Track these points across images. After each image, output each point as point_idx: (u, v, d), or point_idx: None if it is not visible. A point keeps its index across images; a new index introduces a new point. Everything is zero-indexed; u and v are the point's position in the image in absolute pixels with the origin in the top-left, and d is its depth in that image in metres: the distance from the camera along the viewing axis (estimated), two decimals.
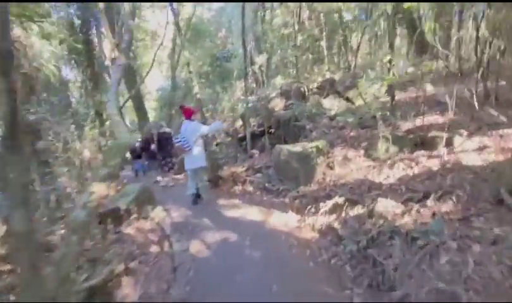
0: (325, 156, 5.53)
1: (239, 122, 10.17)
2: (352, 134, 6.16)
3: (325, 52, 14.74)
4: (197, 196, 5.71)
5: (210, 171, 7.33)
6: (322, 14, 13.24)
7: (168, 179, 9.14)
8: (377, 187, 4.27)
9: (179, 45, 13.53)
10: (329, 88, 10.46)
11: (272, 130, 8.02)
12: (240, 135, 9.77)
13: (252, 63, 15.52)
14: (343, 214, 3.80)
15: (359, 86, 8.15)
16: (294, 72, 16.97)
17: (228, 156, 8.94)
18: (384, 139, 5.13)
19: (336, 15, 13.13)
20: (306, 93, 11.24)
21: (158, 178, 9.24)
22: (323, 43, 14.44)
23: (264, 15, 17.74)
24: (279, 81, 16.84)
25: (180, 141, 5.34)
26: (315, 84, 11.20)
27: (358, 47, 11.57)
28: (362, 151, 5.56)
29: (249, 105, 9.51)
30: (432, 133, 5.06)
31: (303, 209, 4.45)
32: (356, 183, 4.57)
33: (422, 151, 4.88)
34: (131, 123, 19.57)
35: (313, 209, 4.28)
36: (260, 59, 15.79)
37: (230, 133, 10.20)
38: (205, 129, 5.57)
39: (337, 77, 11.13)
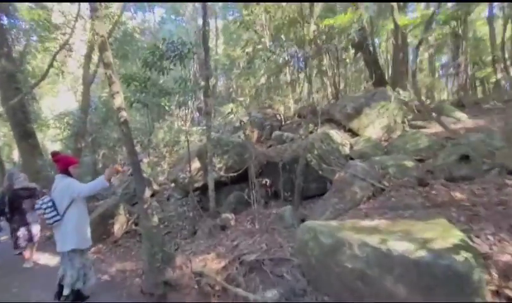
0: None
1: (194, 164, 6.42)
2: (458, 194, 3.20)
3: (288, 77, 12.55)
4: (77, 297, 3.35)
5: (148, 270, 3.49)
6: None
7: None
8: None
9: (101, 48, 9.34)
10: (312, 116, 7.78)
11: (266, 179, 4.56)
12: (197, 185, 6.01)
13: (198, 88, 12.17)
14: None
15: (386, 108, 5.57)
16: (248, 100, 14.37)
17: (179, 225, 5.06)
18: None
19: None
20: (283, 122, 8.39)
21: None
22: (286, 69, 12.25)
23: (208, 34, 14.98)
24: (228, 108, 13.95)
25: (41, 208, 3.25)
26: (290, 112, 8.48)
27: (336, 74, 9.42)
28: None
29: (212, 136, 5.99)
30: None
31: None
32: None
33: None
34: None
35: None
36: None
37: (180, 182, 6.32)
38: (82, 189, 3.35)
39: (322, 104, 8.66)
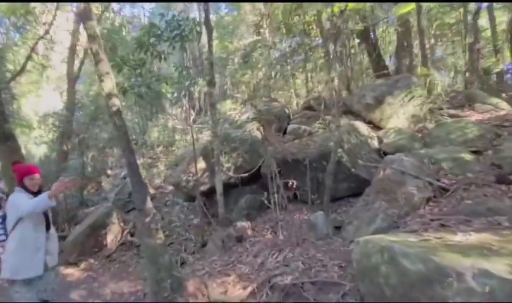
0: None
1: (198, 165, 5.60)
2: None
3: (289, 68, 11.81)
4: None
5: (153, 301, 2.72)
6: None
7: None
8: None
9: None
10: (324, 108, 7.07)
11: (292, 180, 3.77)
12: (202, 188, 5.21)
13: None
14: None
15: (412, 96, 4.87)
16: (246, 96, 13.60)
17: (183, 235, 4.29)
18: None
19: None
20: (291, 116, 7.65)
21: None
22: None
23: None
24: (227, 106, 13.14)
25: None
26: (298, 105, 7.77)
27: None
28: None
29: (219, 132, 5.20)
30: None
31: None
32: None
33: None
34: None
35: None
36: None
37: (183, 185, 5.51)
38: (25, 207, 2.48)
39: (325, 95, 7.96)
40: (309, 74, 11.57)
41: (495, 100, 5.57)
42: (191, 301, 2.84)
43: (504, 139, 3.84)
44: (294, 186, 3.61)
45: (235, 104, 12.69)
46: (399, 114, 5.78)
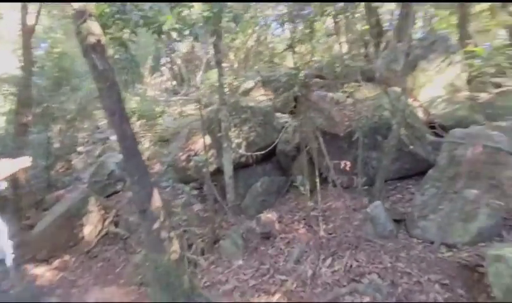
0: None
1: (198, 141, 4.54)
2: None
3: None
4: None
5: None
6: None
7: None
8: None
9: None
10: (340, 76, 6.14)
11: (346, 161, 2.82)
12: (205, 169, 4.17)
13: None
14: None
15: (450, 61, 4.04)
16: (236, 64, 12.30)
17: (187, 231, 3.32)
18: None
19: None
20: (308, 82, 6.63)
21: None
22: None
23: None
24: (212, 75, 11.81)
25: None
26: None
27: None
28: None
29: (226, 101, 4.10)
30: None
31: None
32: None
33: None
34: None
35: None
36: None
37: (182, 166, 4.45)
38: None
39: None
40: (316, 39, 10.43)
41: None
42: None
43: None
44: (348, 168, 2.71)
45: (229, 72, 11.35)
46: (435, 82, 4.96)
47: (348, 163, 2.72)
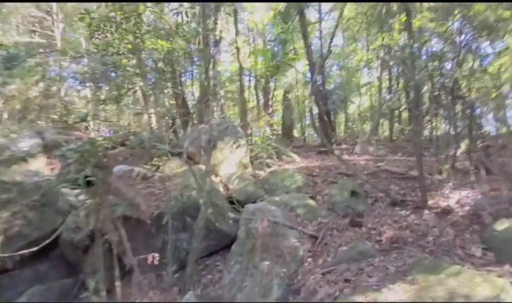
0: None
1: None
2: None
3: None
4: None
5: None
6: None
7: None
8: None
9: None
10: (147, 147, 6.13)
11: (153, 254, 2.42)
12: None
13: None
14: None
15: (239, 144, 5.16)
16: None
17: None
18: None
19: None
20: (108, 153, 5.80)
21: None
22: None
23: None
24: None
25: None
26: None
27: None
28: None
29: None
30: None
31: None
32: None
33: None
34: None
35: None
36: None
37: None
38: None
39: None
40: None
41: (293, 155, 7.15)
42: None
43: (319, 186, 4.83)
44: (156, 261, 2.34)
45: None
46: (230, 160, 5.92)
47: (157, 255, 2.39)
